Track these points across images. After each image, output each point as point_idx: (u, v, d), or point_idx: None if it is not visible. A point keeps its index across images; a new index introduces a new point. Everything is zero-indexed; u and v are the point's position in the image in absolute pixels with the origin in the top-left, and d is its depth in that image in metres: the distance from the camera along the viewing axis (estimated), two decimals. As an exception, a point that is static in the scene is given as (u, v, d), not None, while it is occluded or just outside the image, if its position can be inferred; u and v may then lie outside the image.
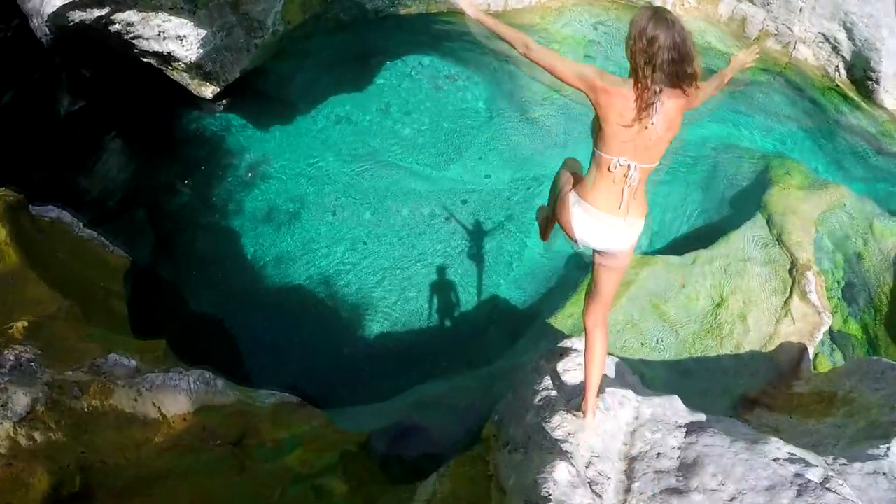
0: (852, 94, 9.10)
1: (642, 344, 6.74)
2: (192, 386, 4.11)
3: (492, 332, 7.59)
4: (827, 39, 8.90)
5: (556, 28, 8.84)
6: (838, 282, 8.21)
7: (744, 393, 6.77)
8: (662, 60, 2.39)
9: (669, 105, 2.51)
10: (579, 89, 2.57)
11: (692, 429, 3.84)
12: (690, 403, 6.60)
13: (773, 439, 3.66)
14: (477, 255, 8.09)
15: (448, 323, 7.65)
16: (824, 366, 7.64)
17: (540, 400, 3.62)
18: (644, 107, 2.47)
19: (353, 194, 8.36)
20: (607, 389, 3.66)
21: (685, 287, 7.08)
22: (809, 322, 7.29)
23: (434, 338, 7.51)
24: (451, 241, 8.13)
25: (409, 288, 7.75)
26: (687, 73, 2.45)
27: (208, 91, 8.23)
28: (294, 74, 9.04)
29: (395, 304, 7.65)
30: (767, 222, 7.95)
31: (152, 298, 7.10)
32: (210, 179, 8.53)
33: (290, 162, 8.73)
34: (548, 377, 3.81)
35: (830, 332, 7.74)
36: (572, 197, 2.84)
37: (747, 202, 8.37)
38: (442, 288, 7.81)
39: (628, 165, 2.61)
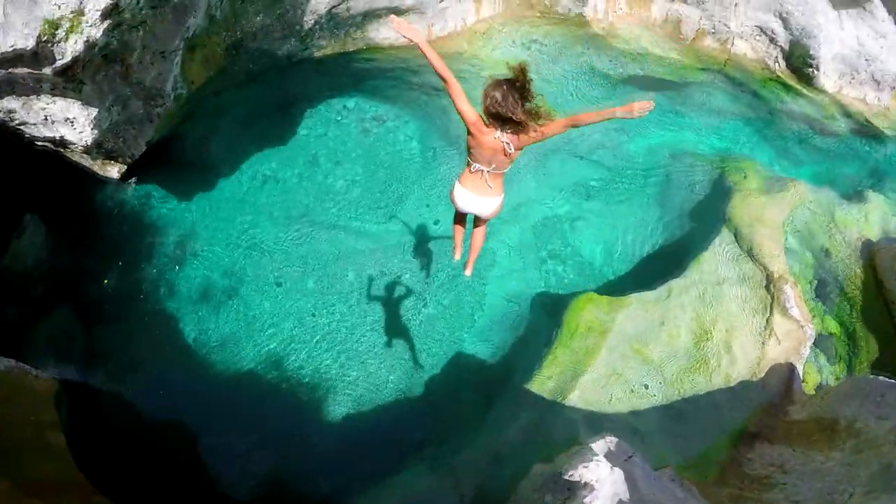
0: (793, 82, 8.95)
1: (631, 391, 6.11)
2: None
3: (463, 394, 6.81)
4: (764, 32, 8.50)
5: (487, 52, 8.04)
6: (810, 282, 7.74)
7: (742, 428, 6.24)
8: (495, 112, 3.50)
9: (507, 139, 3.68)
10: (465, 122, 3.72)
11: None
12: (689, 450, 6.06)
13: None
14: (435, 312, 7.27)
15: (416, 391, 6.83)
16: (811, 374, 7.21)
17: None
18: (492, 140, 3.71)
19: (292, 262, 7.43)
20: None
21: (665, 324, 6.43)
22: (794, 338, 6.80)
23: (404, 411, 6.70)
24: (406, 300, 7.29)
25: (369, 360, 6.90)
26: (512, 120, 3.53)
27: (114, 171, 7.19)
28: (210, 136, 8.03)
29: (357, 380, 6.79)
30: (735, 236, 7.40)
31: (93, 415, 6.14)
32: (136, 261, 7.46)
33: (219, 232, 7.73)
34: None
35: (810, 336, 7.22)
36: (456, 184, 4.17)
37: (708, 213, 7.84)
38: (404, 354, 6.98)
39: (482, 170, 3.93)
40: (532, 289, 7.42)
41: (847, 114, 9.27)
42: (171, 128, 7.58)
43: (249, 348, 6.95)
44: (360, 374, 6.77)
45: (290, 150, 8.22)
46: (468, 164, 4.02)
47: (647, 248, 7.81)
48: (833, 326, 7.72)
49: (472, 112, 3.66)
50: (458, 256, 5.14)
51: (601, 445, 4.32)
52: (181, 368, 6.87)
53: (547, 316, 7.04)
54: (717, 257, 7.10)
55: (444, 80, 3.63)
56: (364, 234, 7.62)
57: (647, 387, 6.15)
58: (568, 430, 5.59)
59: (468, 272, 5.11)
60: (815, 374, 7.34)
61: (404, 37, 3.63)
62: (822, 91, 8.94)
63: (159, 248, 7.60)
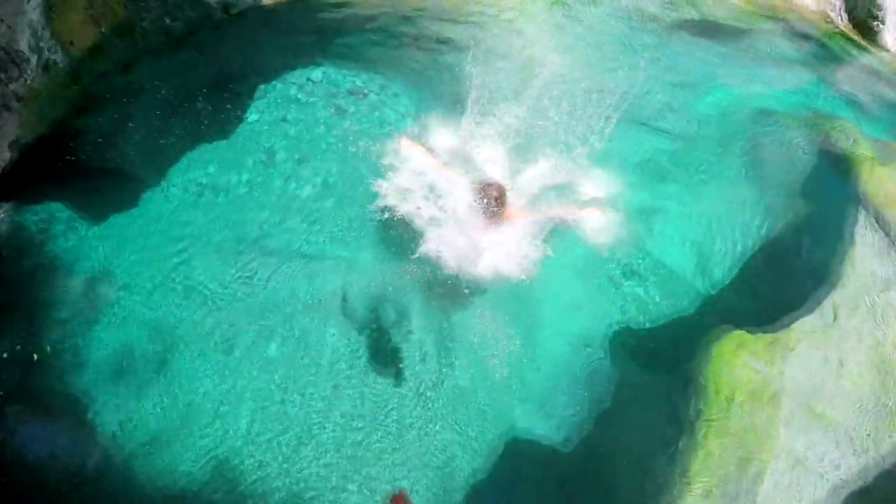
0: (855, 36, 7.73)
1: (821, 478, 3.65)
2: None
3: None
4: (826, -21, 7.52)
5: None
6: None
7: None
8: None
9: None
10: None
11: None
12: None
13: None
14: (468, 378, 4.48)
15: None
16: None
17: None
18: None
19: (243, 315, 4.62)
20: None
21: (844, 364, 3.94)
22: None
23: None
24: (420, 365, 4.52)
25: (376, 470, 4.12)
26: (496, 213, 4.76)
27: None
28: (121, 129, 5.23)
29: None
30: (876, 220, 4.98)
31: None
32: (34, 313, 4.62)
33: (141, 269, 4.87)
34: None
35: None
36: None
37: (826, 189, 5.59)
38: (427, 451, 4.21)
39: None
40: (606, 326, 4.74)
41: (910, 71, 7.98)
42: (52, 121, 4.71)
43: (188, 457, 4.14)
44: (365, 496, 3.94)
45: (235, 144, 5.42)
46: None
47: (751, 244, 5.34)
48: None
49: None
50: None
51: None
52: (100, 477, 4.08)
53: (641, 368, 4.39)
54: (868, 251, 4.84)
55: None
56: (345, 263, 4.86)
57: (836, 466, 3.63)
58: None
59: None
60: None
61: None
62: (885, 49, 7.74)
63: (64, 293, 4.74)
